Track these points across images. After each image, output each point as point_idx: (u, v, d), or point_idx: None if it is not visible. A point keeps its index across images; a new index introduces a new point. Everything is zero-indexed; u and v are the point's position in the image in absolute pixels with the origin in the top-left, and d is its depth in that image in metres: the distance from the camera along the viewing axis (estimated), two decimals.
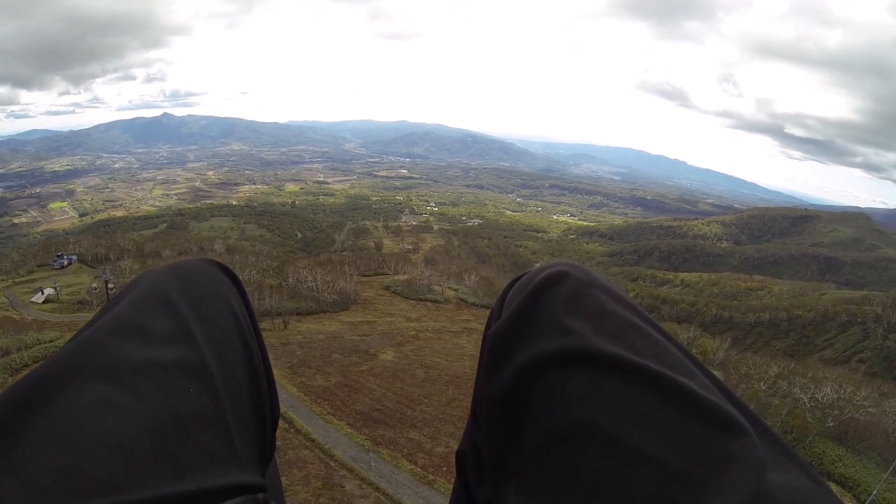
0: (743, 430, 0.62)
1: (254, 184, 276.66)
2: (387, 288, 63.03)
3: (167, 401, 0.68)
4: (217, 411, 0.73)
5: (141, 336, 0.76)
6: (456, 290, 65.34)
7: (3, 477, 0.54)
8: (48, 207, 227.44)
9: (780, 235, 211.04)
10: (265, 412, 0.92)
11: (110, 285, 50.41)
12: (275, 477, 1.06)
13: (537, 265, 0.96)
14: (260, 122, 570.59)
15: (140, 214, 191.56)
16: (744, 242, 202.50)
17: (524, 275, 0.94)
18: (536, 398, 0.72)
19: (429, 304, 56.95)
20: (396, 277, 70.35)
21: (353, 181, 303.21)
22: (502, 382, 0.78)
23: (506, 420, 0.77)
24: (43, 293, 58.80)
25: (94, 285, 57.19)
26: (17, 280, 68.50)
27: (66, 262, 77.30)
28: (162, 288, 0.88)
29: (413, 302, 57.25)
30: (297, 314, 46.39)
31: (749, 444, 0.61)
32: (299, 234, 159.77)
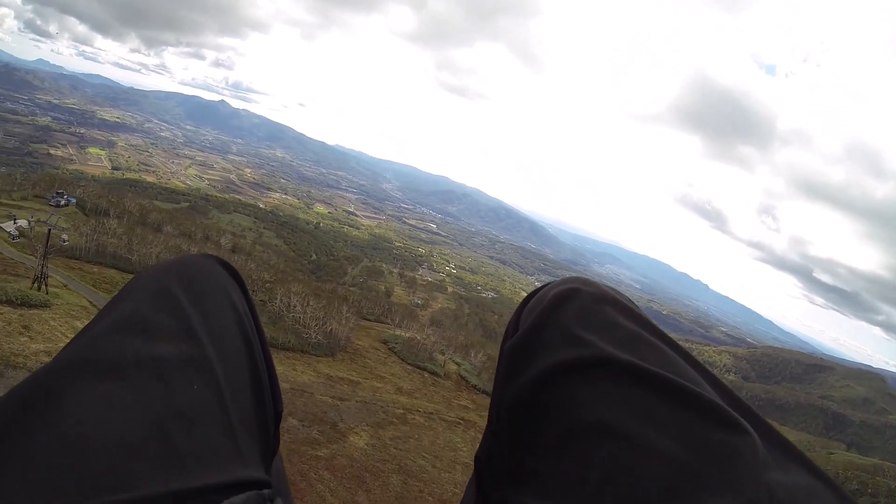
0: (743, 429, 0.65)
1: (285, 193, 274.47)
2: (385, 342, 55.85)
3: (170, 397, 0.68)
4: (220, 407, 0.74)
5: (143, 332, 0.76)
6: (459, 364, 58.87)
7: (8, 476, 0.54)
8: (86, 150, 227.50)
9: (791, 380, 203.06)
10: (268, 407, 0.92)
11: (63, 237, 45.41)
12: (280, 472, 1.06)
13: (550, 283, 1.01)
14: (308, 137, 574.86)
15: (168, 186, 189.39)
16: (752, 379, 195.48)
17: (538, 291, 1.00)
18: (551, 403, 0.76)
19: (426, 374, 49.75)
20: (398, 332, 63.42)
21: (382, 221, 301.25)
22: (518, 390, 0.82)
23: (521, 424, 0.80)
24: (15, 223, 52.25)
25: (14, 227, 50.37)
26: (2, 201, 62.89)
27: (62, 202, 71.37)
28: (164, 284, 0.88)
29: (409, 367, 49.68)
30: (270, 346, 36.77)
31: (751, 442, 0.64)
32: (314, 256, 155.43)
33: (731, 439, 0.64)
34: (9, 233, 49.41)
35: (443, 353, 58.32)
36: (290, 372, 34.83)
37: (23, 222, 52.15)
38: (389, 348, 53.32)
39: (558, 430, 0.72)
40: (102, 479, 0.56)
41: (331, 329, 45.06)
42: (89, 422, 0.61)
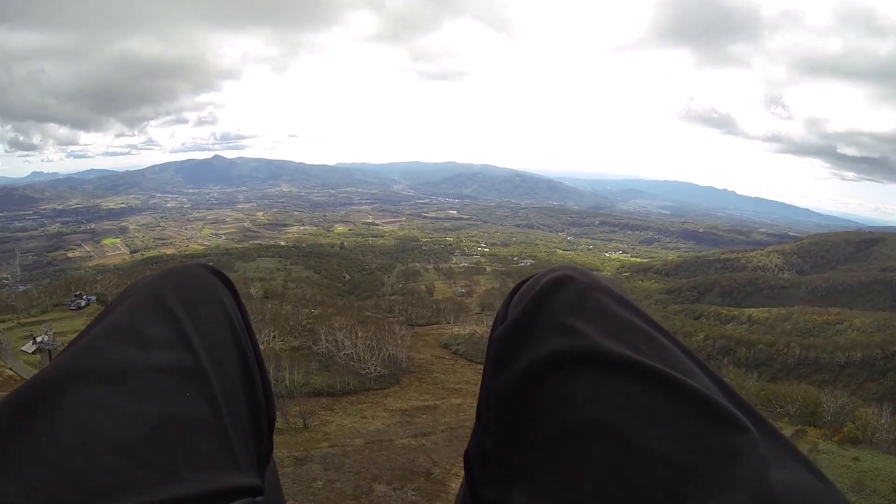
0: (744, 427, 0.64)
1: (302, 225, 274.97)
2: (446, 346, 51.62)
3: (165, 405, 0.69)
4: (214, 414, 0.74)
5: (138, 341, 0.77)
6: None
7: (5, 481, 0.54)
8: (101, 243, 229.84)
9: (845, 262, 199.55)
10: (261, 415, 0.92)
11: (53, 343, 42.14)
12: (274, 479, 1.07)
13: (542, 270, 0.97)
14: (309, 165, 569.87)
15: (188, 252, 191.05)
16: (807, 272, 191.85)
17: (529, 279, 0.96)
18: (542, 397, 0.73)
19: None
20: (455, 330, 59.44)
21: (402, 223, 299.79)
22: (508, 382, 0.80)
23: (511, 419, 0.78)
24: (35, 342, 48.89)
25: (34, 345, 46.86)
26: (22, 321, 59.59)
27: (83, 303, 67.46)
28: (157, 293, 0.89)
29: (480, 367, 44.91)
30: (329, 395, 34.99)
31: (751, 440, 0.62)
32: (347, 276, 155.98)
33: (730, 437, 0.62)
34: (30, 352, 47.40)
35: None
36: (359, 422, 31.17)
37: (42, 338, 48.92)
38: (453, 352, 50.22)
39: (551, 425, 0.70)
40: (99, 484, 0.56)
41: (388, 354, 41.76)
42: (86, 428, 0.61)
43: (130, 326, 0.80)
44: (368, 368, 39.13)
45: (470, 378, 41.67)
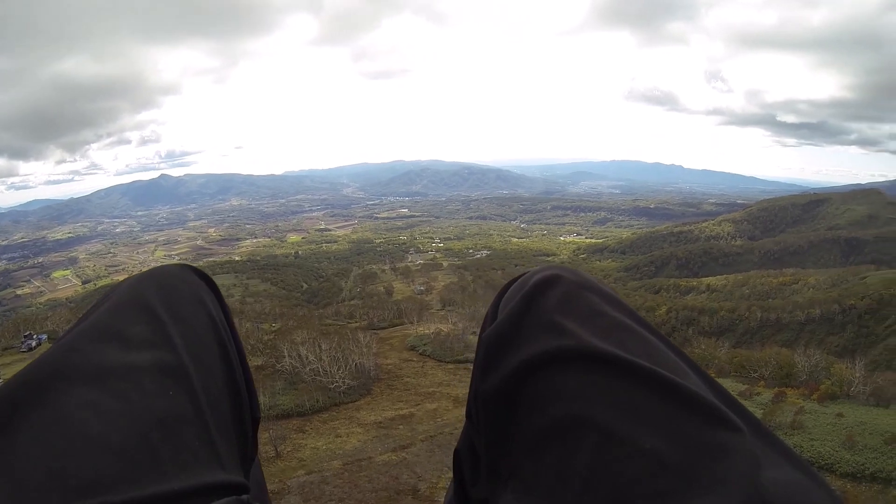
0: (735, 426, 0.64)
1: (255, 237, 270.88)
2: (412, 348, 49.27)
3: (148, 403, 0.69)
4: (196, 413, 0.74)
5: (120, 341, 0.77)
6: None
7: None
8: (51, 276, 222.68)
9: (794, 224, 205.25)
10: (245, 413, 0.93)
11: None
12: (259, 477, 1.07)
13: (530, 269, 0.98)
14: (257, 176, 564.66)
15: None
16: (758, 237, 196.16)
17: (518, 279, 0.97)
18: (531, 395, 0.74)
19: (470, 365, 42.57)
20: (419, 330, 57.08)
21: (355, 225, 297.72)
22: (497, 380, 0.80)
23: (501, 417, 0.78)
24: None
25: None
26: None
27: (34, 344, 66.93)
28: (139, 293, 0.89)
29: (451, 367, 43.30)
30: (299, 416, 32.35)
31: (742, 439, 0.62)
32: (304, 285, 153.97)
33: (721, 436, 0.62)
34: None
35: (474, 334, 54.76)
36: (333, 442, 29.01)
37: None
38: (420, 354, 47.85)
39: (540, 424, 0.70)
40: (83, 482, 0.56)
41: (355, 364, 39.44)
42: (69, 427, 0.62)
43: (112, 326, 0.80)
44: (337, 382, 36.79)
45: (441, 380, 39.99)
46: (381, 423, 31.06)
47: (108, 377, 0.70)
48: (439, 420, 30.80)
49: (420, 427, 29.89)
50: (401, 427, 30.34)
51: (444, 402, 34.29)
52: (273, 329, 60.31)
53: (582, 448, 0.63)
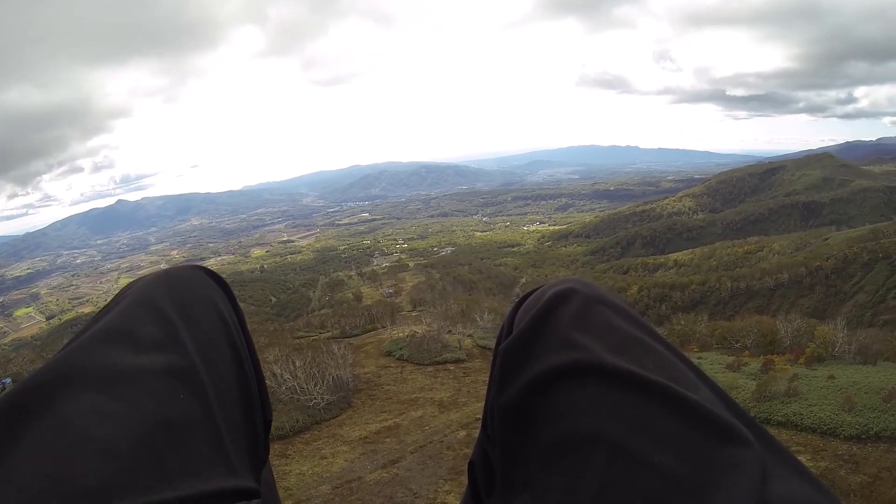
0: (745, 440, 0.64)
1: (219, 256, 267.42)
2: (389, 353, 47.27)
3: (157, 407, 0.69)
4: (207, 417, 0.74)
5: (131, 343, 0.77)
6: (472, 335, 51.44)
7: None
8: (13, 315, 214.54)
9: (752, 194, 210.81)
10: (256, 416, 0.94)
11: None
12: (270, 481, 1.07)
13: (546, 283, 0.99)
14: (215, 193, 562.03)
15: None
16: (719, 209, 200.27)
17: (533, 292, 0.98)
18: (545, 409, 0.75)
19: (450, 366, 41.94)
20: (394, 334, 54.65)
21: (318, 234, 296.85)
22: (513, 394, 0.82)
23: (515, 429, 0.80)
24: None
25: None
26: None
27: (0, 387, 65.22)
28: (151, 295, 0.89)
29: (430, 369, 41.70)
30: (280, 439, 29.97)
31: (751, 454, 0.63)
32: (273, 299, 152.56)
33: (730, 450, 0.63)
34: None
35: (450, 333, 51.94)
36: (319, 464, 27.20)
37: None
38: (398, 359, 45.90)
39: (553, 437, 0.72)
40: (88, 489, 0.56)
41: (332, 378, 37.19)
42: (77, 431, 0.62)
43: (123, 328, 0.80)
44: (315, 398, 34.44)
45: (423, 384, 38.33)
46: (366, 437, 29.61)
47: (118, 381, 0.70)
48: (427, 428, 29.50)
49: (408, 438, 28.52)
50: (388, 440, 28.86)
51: (429, 408, 32.88)
52: None
53: (594, 462, 0.64)
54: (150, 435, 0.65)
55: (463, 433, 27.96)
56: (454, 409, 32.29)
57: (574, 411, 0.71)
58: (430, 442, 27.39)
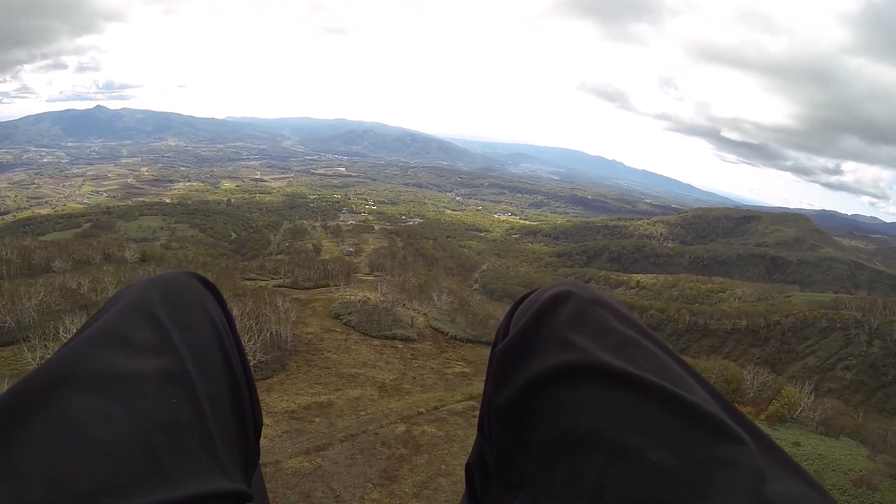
0: (741, 439, 0.66)
1: (189, 181, 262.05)
2: (337, 316, 45.34)
3: (151, 410, 0.70)
4: (200, 420, 0.76)
5: (125, 347, 0.78)
6: (426, 314, 50.13)
7: None
8: None
9: (724, 235, 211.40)
10: (247, 421, 0.95)
11: None
12: (260, 485, 1.09)
13: (543, 285, 1.00)
14: (197, 118, 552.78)
15: (65, 212, 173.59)
16: (689, 242, 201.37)
17: (530, 294, 1.00)
18: (542, 409, 0.77)
19: (399, 344, 40.30)
20: (345, 295, 53.70)
21: (291, 179, 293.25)
22: (509, 394, 0.84)
23: (512, 430, 0.83)
24: None
25: None
26: None
27: None
28: (144, 300, 0.91)
29: (377, 343, 39.88)
30: None
31: (748, 452, 0.64)
32: (233, 235, 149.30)
33: (727, 449, 0.64)
34: None
35: (404, 307, 50.93)
36: None
37: None
38: (345, 324, 43.87)
39: (550, 437, 0.73)
40: (85, 489, 0.57)
41: (270, 333, 35.66)
42: (73, 432, 0.62)
43: (117, 332, 0.81)
44: (248, 355, 32.01)
45: (366, 358, 36.05)
46: (293, 412, 27.33)
47: (113, 383, 0.71)
48: (362, 413, 27.37)
49: (340, 422, 26.41)
50: (317, 419, 26.63)
51: (369, 388, 30.77)
52: None
53: (591, 462, 0.65)
54: (145, 437, 0.66)
55: (402, 428, 25.81)
56: (396, 395, 30.24)
57: (571, 411, 0.72)
58: (363, 431, 25.35)
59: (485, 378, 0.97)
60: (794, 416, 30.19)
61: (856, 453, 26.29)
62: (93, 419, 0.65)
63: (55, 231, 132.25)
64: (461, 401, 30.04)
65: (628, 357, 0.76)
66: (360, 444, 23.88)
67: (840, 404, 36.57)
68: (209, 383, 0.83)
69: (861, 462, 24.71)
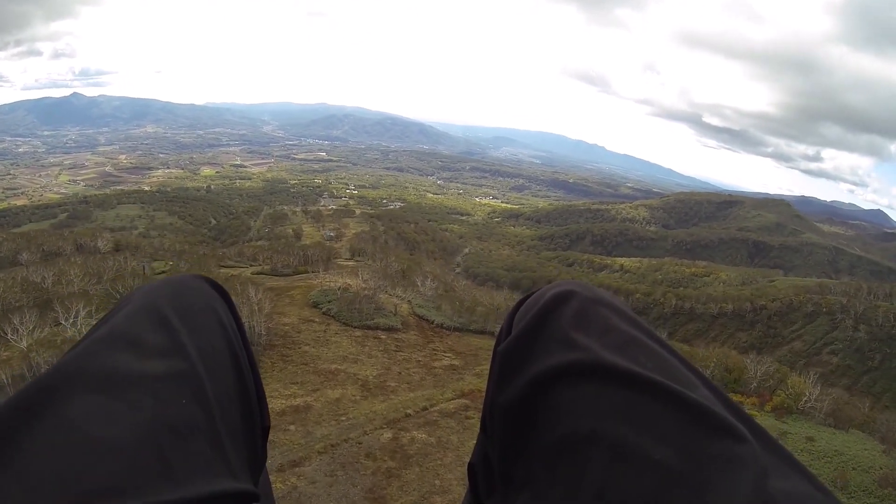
0: (743, 437, 0.66)
1: (168, 168, 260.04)
2: (316, 305, 43.68)
3: (160, 410, 0.71)
4: (208, 421, 0.76)
5: (135, 348, 0.79)
6: (410, 301, 48.69)
7: (4, 483, 0.56)
8: None
9: (707, 220, 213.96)
10: (255, 422, 0.97)
11: None
12: (266, 486, 1.10)
13: (546, 284, 1.02)
14: (176, 104, 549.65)
15: (41, 203, 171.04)
16: (672, 227, 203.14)
17: (533, 293, 1.01)
18: (545, 408, 0.77)
19: (382, 334, 39.00)
20: (325, 282, 52.00)
21: (271, 164, 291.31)
22: (512, 393, 0.84)
23: (515, 429, 0.82)
24: None
25: None
26: None
27: None
28: (154, 302, 0.92)
29: (358, 333, 38.43)
30: None
31: (750, 450, 0.64)
32: (213, 221, 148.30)
33: (729, 446, 0.64)
34: None
35: (387, 294, 49.38)
36: None
37: None
38: (324, 313, 42.19)
39: (552, 436, 0.73)
40: (95, 489, 0.57)
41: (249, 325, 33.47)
42: (83, 432, 0.63)
43: (127, 334, 0.83)
44: None
45: (347, 352, 34.25)
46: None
47: (123, 384, 0.72)
48: (343, 418, 25.52)
49: (318, 430, 24.51)
50: (292, 427, 24.58)
51: (350, 387, 28.96)
52: (163, 270, 54.76)
53: (594, 460, 0.65)
54: (154, 437, 0.66)
55: (388, 435, 23.92)
56: (380, 394, 28.57)
57: (574, 410, 0.72)
58: (345, 440, 23.41)
59: (487, 377, 0.97)
60: (800, 408, 29.13)
61: (871, 448, 25.23)
62: (102, 419, 0.66)
63: (31, 222, 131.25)
64: (452, 399, 28.73)
65: (631, 356, 0.77)
66: (341, 457, 22.12)
67: (844, 394, 35.63)
68: (218, 385, 0.84)
69: (879, 458, 23.58)
